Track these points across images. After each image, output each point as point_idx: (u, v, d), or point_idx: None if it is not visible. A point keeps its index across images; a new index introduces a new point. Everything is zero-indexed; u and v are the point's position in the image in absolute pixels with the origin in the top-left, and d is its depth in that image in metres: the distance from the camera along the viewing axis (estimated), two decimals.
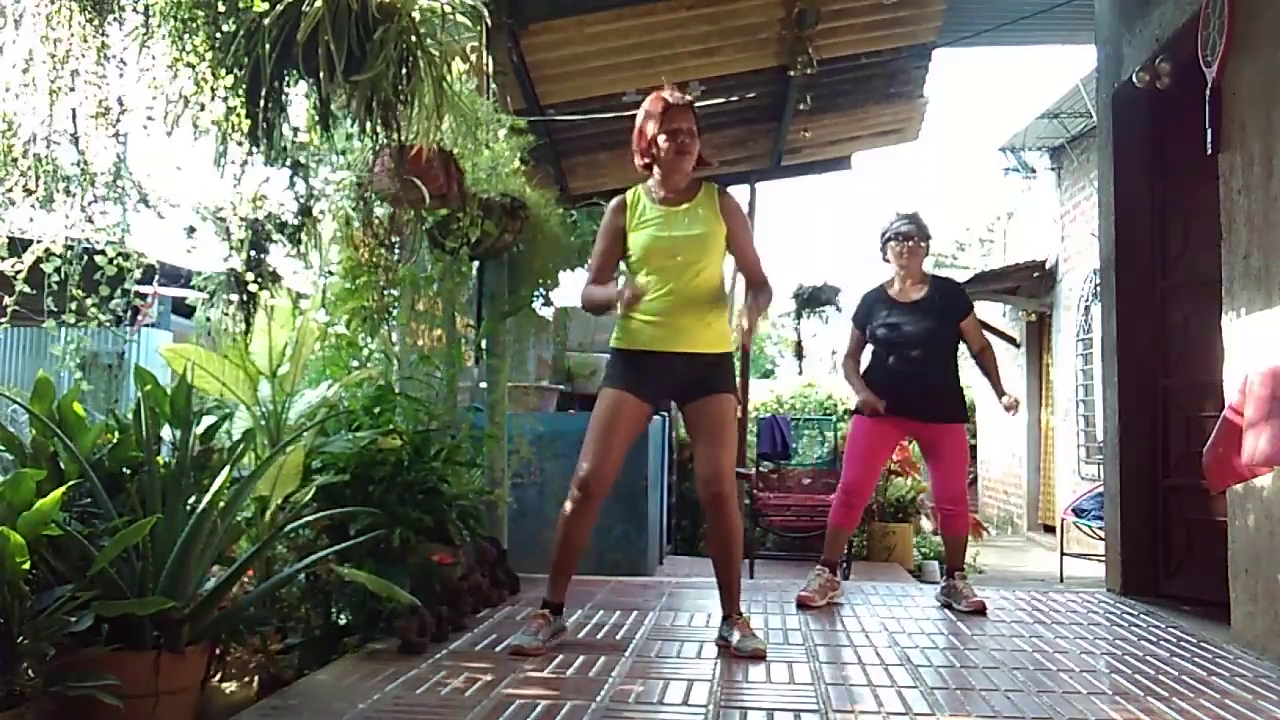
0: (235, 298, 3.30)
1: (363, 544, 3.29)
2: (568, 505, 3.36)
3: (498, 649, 3.28)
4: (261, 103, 2.70)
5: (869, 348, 4.49)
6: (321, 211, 3.73)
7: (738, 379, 5.23)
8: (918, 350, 4.31)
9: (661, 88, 3.41)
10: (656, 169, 3.42)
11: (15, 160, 2.69)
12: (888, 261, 4.43)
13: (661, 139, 3.33)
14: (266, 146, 2.87)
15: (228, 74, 2.66)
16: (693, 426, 3.43)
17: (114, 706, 2.27)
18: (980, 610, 4.09)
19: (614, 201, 3.50)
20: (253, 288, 3.41)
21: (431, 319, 4.47)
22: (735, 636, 3.30)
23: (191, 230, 3.30)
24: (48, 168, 2.75)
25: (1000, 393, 4.41)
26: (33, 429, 2.77)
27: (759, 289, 3.44)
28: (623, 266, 3.55)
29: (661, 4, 5.79)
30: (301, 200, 3.51)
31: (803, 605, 4.16)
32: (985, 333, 4.64)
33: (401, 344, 4.33)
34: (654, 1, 5.75)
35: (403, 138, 2.96)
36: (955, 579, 4.30)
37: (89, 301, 3.07)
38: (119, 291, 3.13)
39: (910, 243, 4.33)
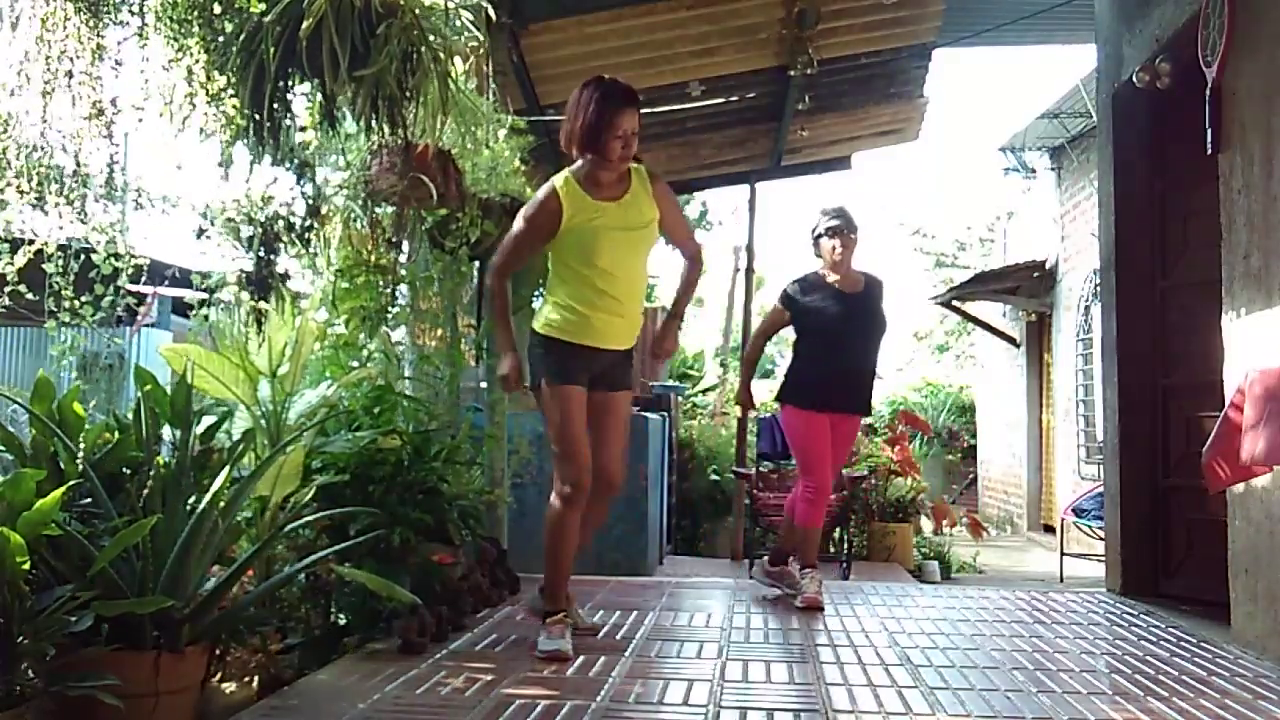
0: (247, 298, 3.30)
1: (363, 544, 3.29)
2: (561, 510, 3.30)
3: (498, 649, 3.28)
4: (266, 102, 2.70)
5: (790, 333, 4.52)
6: (328, 211, 3.73)
7: (738, 380, 5.22)
8: (854, 342, 4.35)
9: (603, 81, 3.23)
10: (591, 160, 3.26)
11: (9, 162, 2.69)
12: (819, 257, 4.45)
13: (609, 143, 3.18)
14: (273, 146, 2.87)
15: (223, 74, 2.66)
16: (595, 415, 3.36)
17: (114, 706, 2.27)
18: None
19: (546, 189, 3.30)
20: (254, 298, 3.41)
21: (432, 319, 4.47)
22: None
23: (201, 232, 3.30)
24: (41, 168, 2.75)
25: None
26: (33, 429, 2.77)
27: (691, 263, 3.59)
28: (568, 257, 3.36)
29: (661, 4, 5.79)
30: (310, 200, 3.51)
31: (812, 608, 4.09)
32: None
33: (406, 343, 4.33)
34: (654, 1, 5.75)
35: (408, 134, 2.96)
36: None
37: (82, 300, 3.06)
38: (112, 290, 3.13)
39: (842, 237, 4.35)
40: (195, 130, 2.75)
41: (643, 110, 3.34)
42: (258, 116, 2.74)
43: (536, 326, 3.37)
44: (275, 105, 2.74)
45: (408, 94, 2.82)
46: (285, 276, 3.48)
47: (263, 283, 3.43)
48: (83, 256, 3.06)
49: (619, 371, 3.41)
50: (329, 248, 3.76)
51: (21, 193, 2.73)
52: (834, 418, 4.35)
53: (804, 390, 4.35)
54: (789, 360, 4.57)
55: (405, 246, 4.13)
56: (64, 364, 3.24)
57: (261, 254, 3.36)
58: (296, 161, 3.44)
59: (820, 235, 4.40)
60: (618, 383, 3.41)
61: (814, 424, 4.31)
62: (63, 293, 2.97)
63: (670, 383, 8.50)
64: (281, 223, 3.39)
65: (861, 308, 4.37)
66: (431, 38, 2.83)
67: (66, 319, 3.04)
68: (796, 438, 4.42)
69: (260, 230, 3.30)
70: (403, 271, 4.11)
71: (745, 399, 4.83)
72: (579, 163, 3.32)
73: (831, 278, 4.41)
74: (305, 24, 2.57)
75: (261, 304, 3.32)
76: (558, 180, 3.31)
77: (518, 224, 3.38)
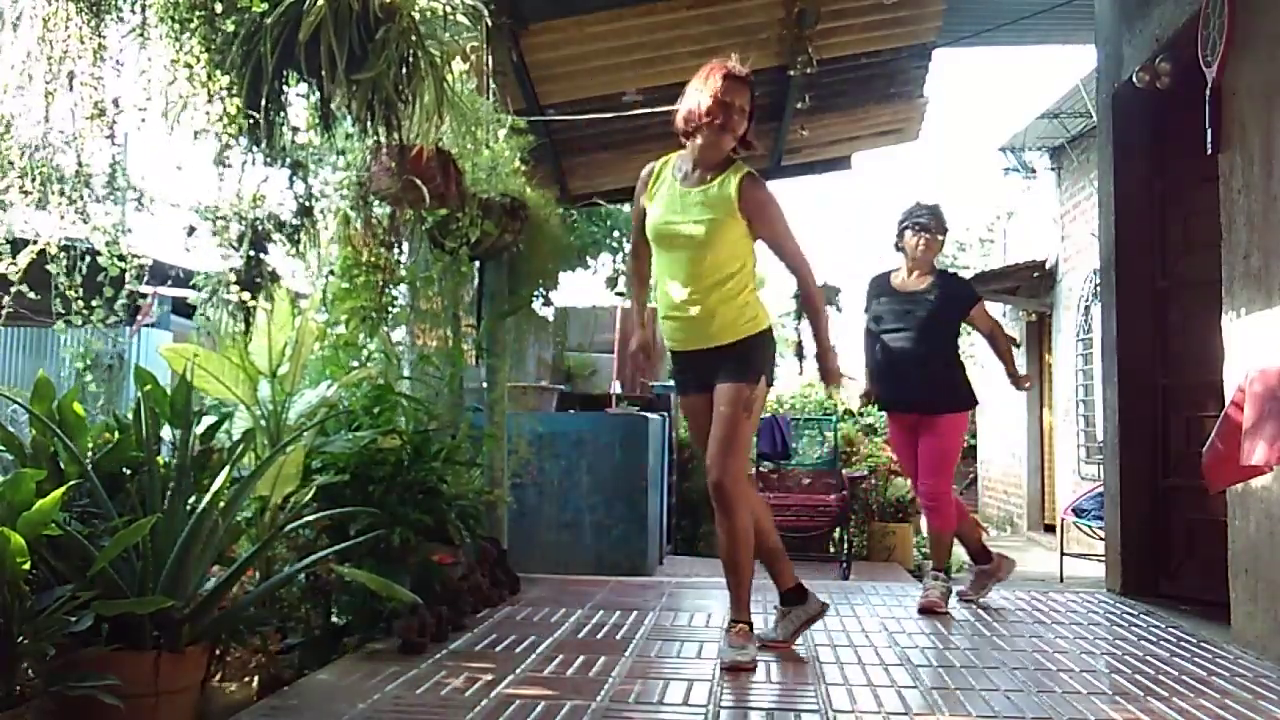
0: (235, 297, 3.29)
1: (363, 544, 3.29)
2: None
3: (498, 649, 3.28)
4: (262, 102, 2.70)
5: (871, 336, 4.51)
6: (322, 211, 3.72)
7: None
8: (906, 340, 4.31)
9: (726, 59, 3.22)
10: (694, 140, 3.24)
11: (12, 162, 2.69)
12: (900, 250, 4.41)
13: (711, 107, 3.15)
14: (267, 146, 2.87)
15: (224, 74, 2.66)
16: (709, 418, 3.29)
17: (114, 706, 2.27)
18: (928, 609, 4.07)
19: (647, 167, 3.41)
20: (245, 295, 3.40)
21: (432, 319, 4.47)
22: (722, 644, 3.20)
23: (192, 230, 3.30)
24: (43, 168, 2.75)
25: (1012, 373, 4.46)
26: (33, 429, 2.77)
27: (798, 278, 3.42)
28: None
29: (661, 4, 5.79)
30: (301, 200, 3.50)
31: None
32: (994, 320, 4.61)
33: (405, 343, 4.34)
34: (654, 1, 5.75)
35: (403, 137, 2.96)
36: (929, 576, 4.31)
37: (92, 303, 3.06)
38: (116, 290, 3.13)
39: (927, 235, 4.31)
40: (192, 129, 2.75)
41: (642, 110, 3.35)
42: (253, 116, 2.74)
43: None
44: (270, 105, 2.74)
45: (404, 97, 2.82)
46: (275, 276, 3.47)
47: (252, 281, 3.43)
48: (87, 258, 3.06)
49: (716, 366, 3.25)
50: (319, 246, 3.76)
51: (25, 192, 2.73)
52: (909, 419, 4.34)
53: (879, 392, 4.41)
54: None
55: (404, 247, 4.12)
56: (77, 365, 3.24)
57: (251, 253, 3.35)
58: (290, 161, 3.44)
59: (906, 227, 4.37)
60: (713, 378, 3.26)
61: (893, 427, 4.43)
62: (69, 293, 2.96)
63: (670, 383, 8.49)
64: (272, 221, 3.39)
65: (916, 305, 4.32)
66: (429, 42, 2.83)
67: (77, 321, 3.03)
68: (893, 441, 4.54)
69: (250, 229, 3.30)
70: (402, 271, 4.11)
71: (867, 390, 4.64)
72: (687, 149, 3.31)
73: (896, 278, 4.41)
74: (304, 25, 2.57)
75: (251, 301, 3.31)
76: (663, 158, 3.37)
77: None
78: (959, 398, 4.34)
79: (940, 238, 4.37)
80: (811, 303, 3.47)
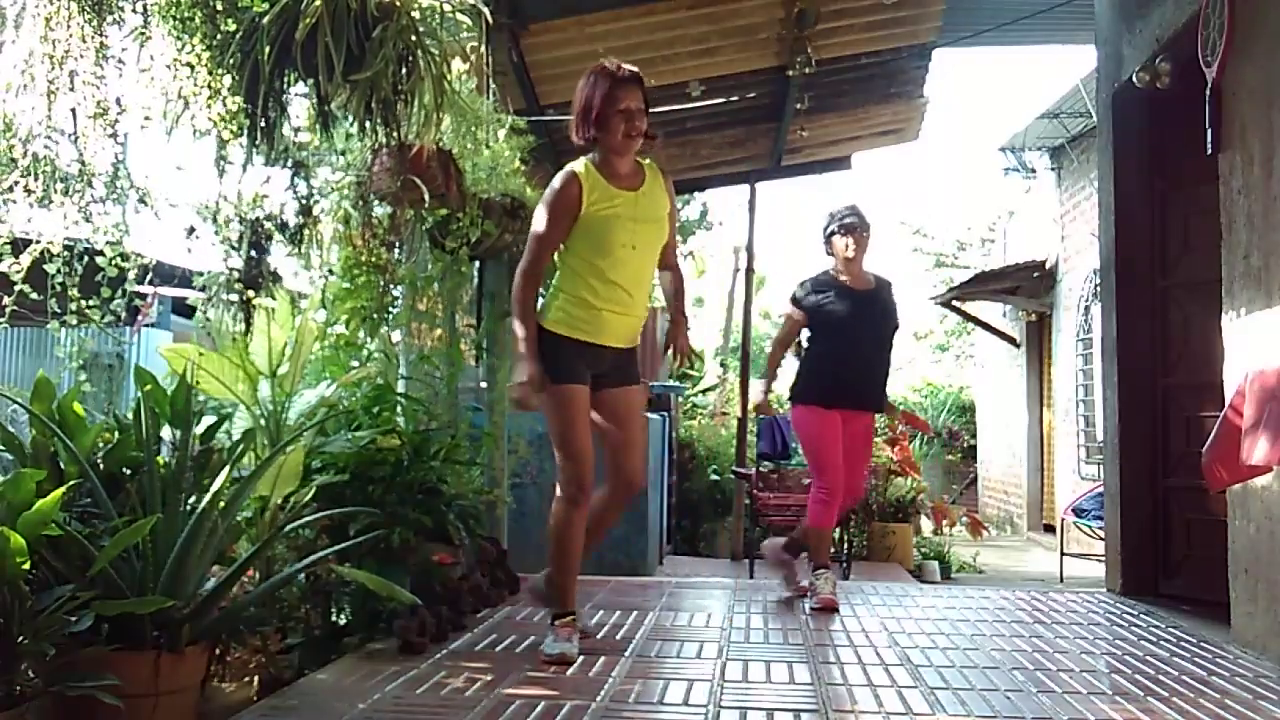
0: (235, 298, 3.29)
1: (363, 544, 3.29)
2: (567, 511, 3.23)
3: (498, 649, 3.28)
4: (261, 102, 2.70)
5: (811, 331, 4.50)
6: (322, 211, 3.72)
7: (737, 379, 5.21)
8: (868, 338, 4.36)
9: (605, 61, 3.19)
10: (599, 149, 3.22)
11: (15, 161, 2.69)
12: (830, 255, 4.45)
13: (612, 118, 3.12)
14: (267, 146, 2.87)
15: (226, 74, 2.66)
16: (612, 414, 3.30)
17: (114, 706, 2.27)
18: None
19: (565, 175, 3.20)
20: (249, 292, 3.41)
21: (431, 319, 4.47)
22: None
23: (192, 230, 3.30)
24: (46, 168, 2.75)
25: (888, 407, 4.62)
26: (33, 429, 2.77)
27: (673, 272, 3.51)
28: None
29: (661, 4, 5.80)
30: (302, 200, 3.51)
31: (827, 609, 4.07)
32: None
33: (402, 343, 4.34)
34: (654, 1, 5.75)
35: (402, 137, 2.96)
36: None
37: (90, 303, 3.06)
38: (119, 292, 3.13)
39: (855, 234, 4.36)
40: (193, 129, 2.75)
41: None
42: (252, 116, 2.75)
43: (542, 323, 3.23)
44: (270, 105, 2.74)
45: (402, 97, 2.82)
46: (276, 276, 3.47)
47: (253, 281, 3.43)
48: (87, 258, 3.06)
49: (627, 367, 3.33)
50: (320, 247, 3.76)
51: (28, 191, 2.73)
52: (845, 415, 4.33)
53: (816, 388, 4.35)
54: (801, 360, 4.58)
55: (404, 247, 4.12)
56: (71, 366, 3.24)
57: (252, 254, 3.35)
58: (291, 161, 3.44)
59: (834, 233, 4.40)
60: (629, 377, 3.33)
61: (826, 422, 4.30)
62: (68, 293, 2.96)
63: (670, 383, 8.50)
64: (272, 222, 3.39)
65: (872, 305, 4.38)
66: (428, 41, 2.83)
67: (73, 321, 3.03)
68: (809, 437, 4.40)
69: (250, 229, 3.30)
70: (401, 271, 4.11)
71: (764, 405, 5.03)
72: (592, 153, 3.27)
73: (843, 276, 4.41)
74: (301, 25, 2.57)
75: (253, 301, 3.31)
76: (576, 166, 3.23)
77: (538, 219, 3.24)
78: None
79: (867, 235, 4.41)
80: (681, 286, 3.58)
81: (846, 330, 4.34)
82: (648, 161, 3.36)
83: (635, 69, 3.21)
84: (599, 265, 3.19)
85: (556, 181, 3.23)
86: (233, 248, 3.29)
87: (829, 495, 4.26)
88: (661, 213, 3.32)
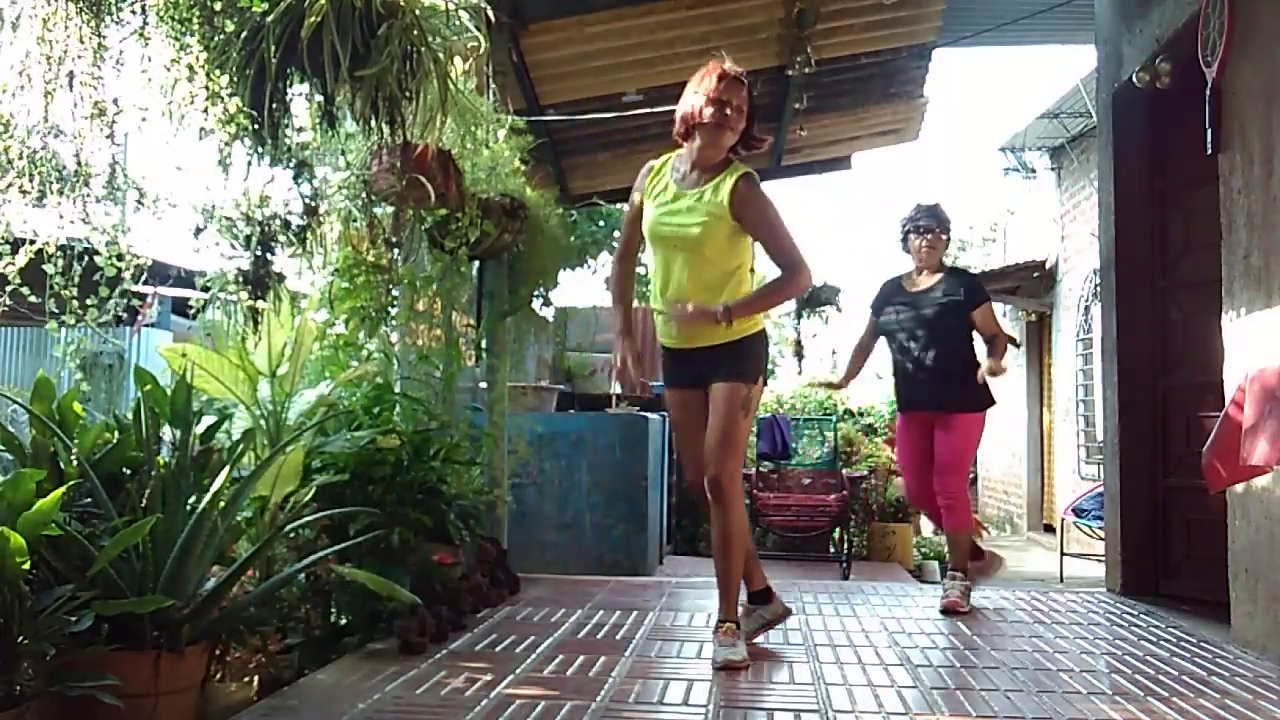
0: (242, 298, 3.29)
1: (363, 544, 3.29)
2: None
3: (498, 649, 3.28)
4: (266, 101, 2.70)
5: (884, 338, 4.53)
6: (326, 211, 3.72)
7: None
8: (921, 340, 4.33)
9: (722, 60, 3.25)
10: (692, 141, 3.26)
11: (11, 161, 2.69)
12: (907, 253, 4.46)
13: (705, 106, 3.18)
14: (271, 146, 2.87)
15: (224, 74, 2.66)
16: (703, 415, 3.30)
17: (114, 706, 2.27)
18: (950, 610, 4.07)
19: (646, 166, 3.40)
20: (254, 295, 3.40)
21: (431, 319, 4.47)
22: (714, 645, 3.17)
23: (198, 231, 3.30)
24: (43, 167, 2.74)
25: (994, 362, 4.26)
26: (33, 429, 2.77)
27: (784, 273, 3.28)
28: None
29: (661, 4, 5.79)
30: (307, 200, 3.50)
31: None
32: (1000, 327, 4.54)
33: (401, 344, 4.33)
34: (654, 1, 5.75)
35: (407, 135, 2.96)
36: (947, 577, 4.31)
37: (87, 302, 3.06)
38: (117, 292, 3.13)
39: (930, 235, 4.36)
40: (195, 129, 2.75)
41: (642, 110, 3.35)
42: (257, 116, 2.74)
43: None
44: (274, 105, 2.74)
45: (407, 94, 2.81)
46: (281, 276, 3.47)
47: (260, 282, 3.43)
48: (85, 258, 3.06)
49: (714, 365, 3.26)
50: (325, 247, 3.76)
51: (24, 192, 2.73)
52: (924, 417, 4.35)
53: (896, 392, 4.49)
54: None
55: (404, 247, 4.12)
56: (70, 366, 3.24)
57: (258, 253, 3.35)
58: (295, 161, 3.44)
59: (909, 231, 4.42)
60: (710, 376, 3.28)
61: (904, 426, 4.44)
62: (64, 293, 2.96)
63: None
64: (278, 222, 3.39)
65: (926, 306, 4.34)
66: (431, 39, 2.83)
67: (71, 321, 3.03)
68: (898, 440, 4.56)
69: (257, 229, 3.29)
70: (401, 271, 4.11)
71: (832, 383, 4.83)
72: (684, 148, 3.33)
73: (908, 279, 4.45)
74: (306, 24, 2.57)
75: (259, 303, 3.31)
76: (661, 157, 3.37)
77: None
78: (976, 397, 4.30)
79: (945, 236, 4.42)
80: (774, 287, 3.35)
81: (897, 335, 4.40)
82: (736, 166, 3.29)
83: (743, 71, 3.26)
84: (652, 262, 3.32)
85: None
86: (234, 247, 3.29)
87: (940, 497, 4.28)
88: (713, 211, 3.21)
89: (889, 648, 3.44)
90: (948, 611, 4.07)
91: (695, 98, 3.23)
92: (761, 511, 7.43)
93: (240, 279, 3.29)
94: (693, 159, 3.29)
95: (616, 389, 7.64)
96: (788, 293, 3.41)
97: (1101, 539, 5.74)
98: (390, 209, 3.84)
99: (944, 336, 4.31)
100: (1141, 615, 4.13)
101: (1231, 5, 3.59)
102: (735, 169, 3.28)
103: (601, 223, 9.22)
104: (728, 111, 3.19)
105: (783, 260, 3.29)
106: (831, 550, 8.07)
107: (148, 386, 2.95)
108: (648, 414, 6.50)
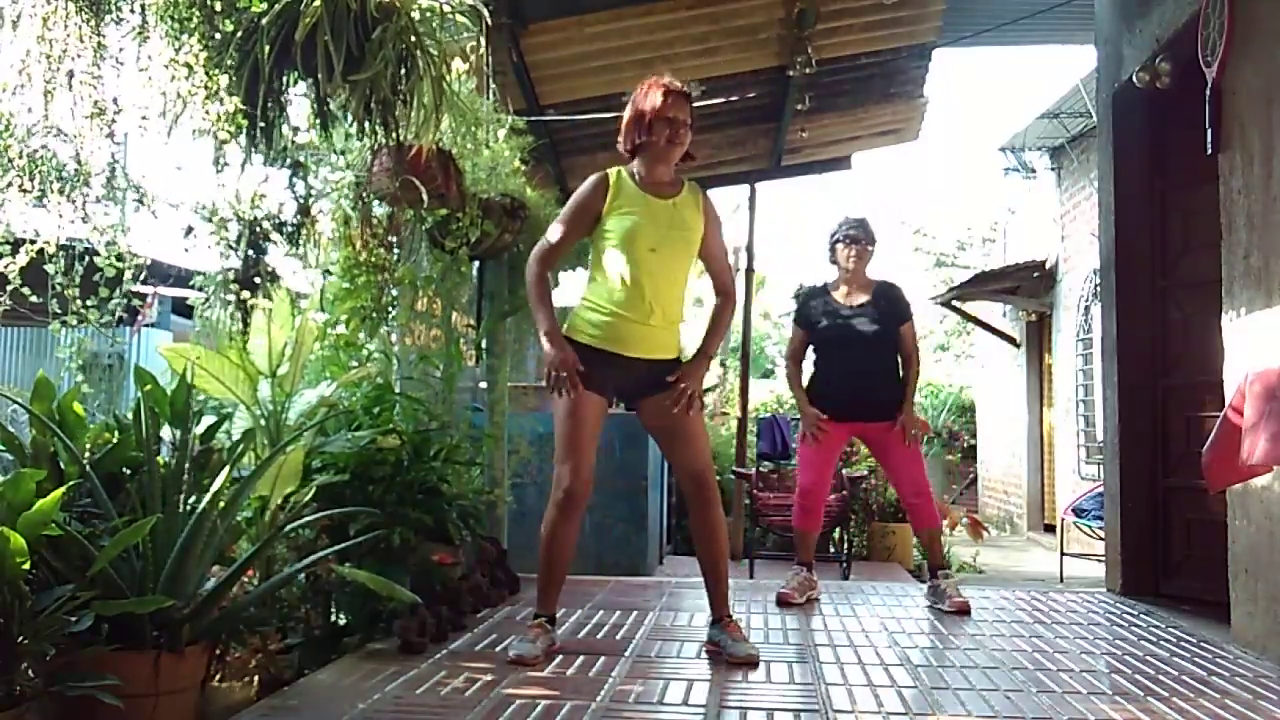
0: (234, 297, 3.30)
1: (363, 544, 3.29)
2: (554, 516, 3.25)
3: (497, 649, 3.28)
4: (260, 102, 2.70)
5: (811, 348, 4.52)
6: (320, 211, 3.72)
7: (737, 379, 5.19)
8: (861, 352, 4.34)
9: (661, 74, 3.29)
10: (642, 156, 3.28)
11: (11, 160, 2.69)
12: (834, 263, 4.48)
13: (656, 125, 3.20)
14: (266, 146, 2.87)
15: (223, 74, 2.66)
16: (657, 422, 3.30)
17: (114, 706, 2.27)
18: (964, 610, 4.08)
19: (595, 177, 3.30)
20: (245, 294, 3.40)
21: (431, 319, 4.47)
22: (726, 641, 3.22)
23: (189, 230, 3.30)
24: (43, 167, 2.75)
25: (906, 411, 4.28)
26: (33, 429, 2.77)
27: (726, 298, 3.46)
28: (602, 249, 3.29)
29: (661, 4, 5.80)
30: (301, 200, 3.51)
31: (783, 602, 4.23)
32: (918, 347, 4.51)
33: (401, 344, 4.34)
34: (654, 1, 5.75)
35: (401, 137, 2.96)
36: (938, 578, 4.30)
37: (88, 303, 3.06)
38: (117, 292, 3.13)
39: (858, 246, 4.38)
40: (191, 129, 2.75)
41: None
42: (252, 116, 2.75)
43: (564, 330, 3.26)
44: (269, 105, 2.74)
45: (401, 97, 2.82)
46: (274, 275, 3.47)
47: (250, 281, 3.44)
48: (86, 258, 3.06)
49: (660, 377, 3.25)
50: (318, 247, 3.76)
51: (24, 191, 2.73)
52: (854, 428, 4.40)
53: (817, 401, 4.40)
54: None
55: (404, 247, 4.12)
56: (70, 366, 3.24)
57: (250, 253, 3.35)
58: (290, 161, 3.44)
59: (837, 241, 4.43)
60: (661, 385, 3.25)
61: (825, 434, 4.37)
62: (66, 293, 2.96)
63: None
64: (270, 222, 3.39)
65: (864, 316, 4.36)
66: (427, 41, 2.83)
67: (72, 321, 3.03)
68: (799, 445, 4.52)
69: (248, 229, 3.30)
70: (400, 271, 4.11)
71: (813, 422, 4.43)
72: (634, 163, 3.33)
73: (838, 290, 4.45)
74: (301, 26, 2.57)
75: (250, 301, 3.31)
76: (613, 170, 3.32)
77: (565, 209, 3.33)
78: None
79: (870, 248, 4.43)
80: (724, 318, 3.50)
81: (836, 346, 4.39)
82: (691, 181, 3.39)
83: (681, 85, 3.28)
84: (620, 267, 3.20)
85: (590, 179, 3.33)
86: (230, 247, 3.29)
87: (801, 500, 4.43)
88: (692, 227, 3.29)
89: (889, 648, 3.44)
90: (961, 613, 4.07)
91: (643, 116, 3.22)
92: (762, 511, 7.42)
93: (232, 278, 3.29)
94: (647, 177, 3.29)
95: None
96: (730, 317, 3.55)
97: (1101, 539, 5.74)
98: (388, 209, 3.85)
99: (879, 352, 4.38)
100: (1141, 615, 4.13)
101: (1231, 5, 3.59)
102: (693, 185, 3.38)
103: None
104: (679, 130, 3.23)
105: (726, 279, 3.47)
106: (831, 550, 8.05)
107: (148, 386, 2.95)
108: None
